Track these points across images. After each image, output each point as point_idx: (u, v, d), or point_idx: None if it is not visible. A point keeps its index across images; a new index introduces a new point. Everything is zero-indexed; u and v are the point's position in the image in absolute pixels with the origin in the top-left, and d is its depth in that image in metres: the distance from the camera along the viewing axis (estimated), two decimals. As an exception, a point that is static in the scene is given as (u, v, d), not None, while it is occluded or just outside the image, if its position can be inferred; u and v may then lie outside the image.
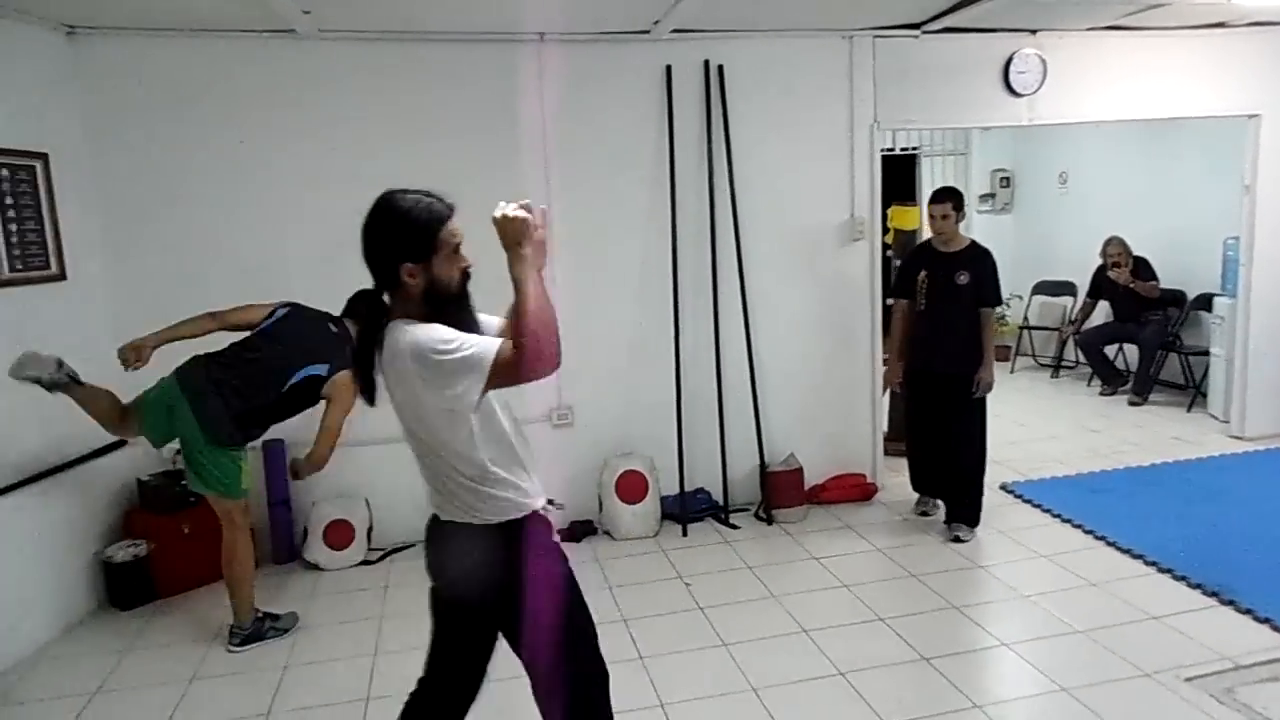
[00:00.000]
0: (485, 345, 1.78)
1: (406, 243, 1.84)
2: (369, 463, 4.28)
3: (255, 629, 3.44)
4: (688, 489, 4.60)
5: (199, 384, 3.28)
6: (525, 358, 1.75)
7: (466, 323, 1.90)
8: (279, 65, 4.04)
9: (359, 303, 3.48)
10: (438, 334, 1.80)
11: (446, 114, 4.22)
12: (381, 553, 4.29)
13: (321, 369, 3.29)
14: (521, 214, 1.81)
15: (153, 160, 3.98)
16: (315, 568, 4.15)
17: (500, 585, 1.99)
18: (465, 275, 1.92)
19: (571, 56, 4.30)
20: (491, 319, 2.03)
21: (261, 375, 3.30)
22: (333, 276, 4.17)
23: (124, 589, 3.81)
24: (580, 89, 4.34)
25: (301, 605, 3.76)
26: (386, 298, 1.93)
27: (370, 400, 1.99)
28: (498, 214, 1.81)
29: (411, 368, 1.81)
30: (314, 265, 4.12)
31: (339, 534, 4.17)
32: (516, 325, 1.77)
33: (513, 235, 1.81)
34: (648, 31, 4.27)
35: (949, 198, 4.17)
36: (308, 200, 4.13)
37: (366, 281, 3.66)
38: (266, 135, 4.07)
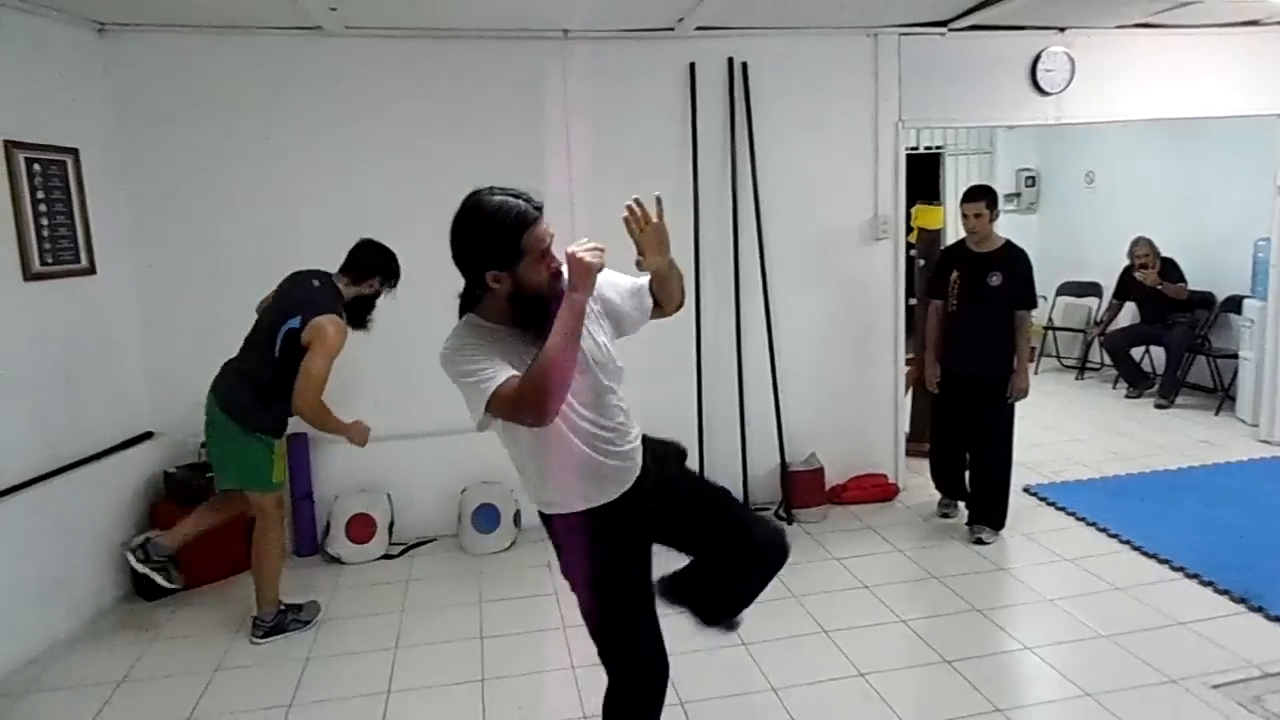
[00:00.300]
0: (492, 381, 1.80)
1: (491, 250, 1.82)
2: (391, 458, 4.31)
3: (277, 621, 3.47)
4: (708, 487, 4.59)
5: (221, 382, 3.36)
6: (518, 403, 1.80)
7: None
8: (306, 62, 4.07)
9: (359, 253, 3.42)
10: (462, 354, 1.86)
11: (471, 110, 4.24)
12: (403, 547, 4.32)
13: (295, 321, 3.22)
14: (589, 258, 1.79)
15: (181, 155, 4.03)
16: (337, 561, 4.19)
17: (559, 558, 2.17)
18: (556, 275, 1.89)
19: (596, 53, 4.30)
20: (620, 280, 2.08)
21: (256, 351, 3.31)
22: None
23: (150, 580, 3.84)
24: (604, 86, 4.34)
25: (324, 598, 3.78)
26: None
27: None
28: (569, 249, 1.80)
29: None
30: (329, 253, 4.11)
31: (361, 528, 4.19)
32: (530, 368, 1.80)
33: (574, 275, 1.80)
34: (672, 29, 4.26)
35: (982, 196, 4.09)
36: (334, 195, 4.16)
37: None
38: (293, 131, 4.11)
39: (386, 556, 4.24)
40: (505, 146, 4.23)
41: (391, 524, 4.33)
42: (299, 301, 3.28)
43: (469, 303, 1.97)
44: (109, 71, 3.89)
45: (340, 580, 4.03)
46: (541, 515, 2.14)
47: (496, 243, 1.82)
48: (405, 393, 4.17)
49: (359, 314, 3.44)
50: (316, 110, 4.12)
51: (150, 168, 4.00)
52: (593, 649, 2.17)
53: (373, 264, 3.40)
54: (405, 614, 3.68)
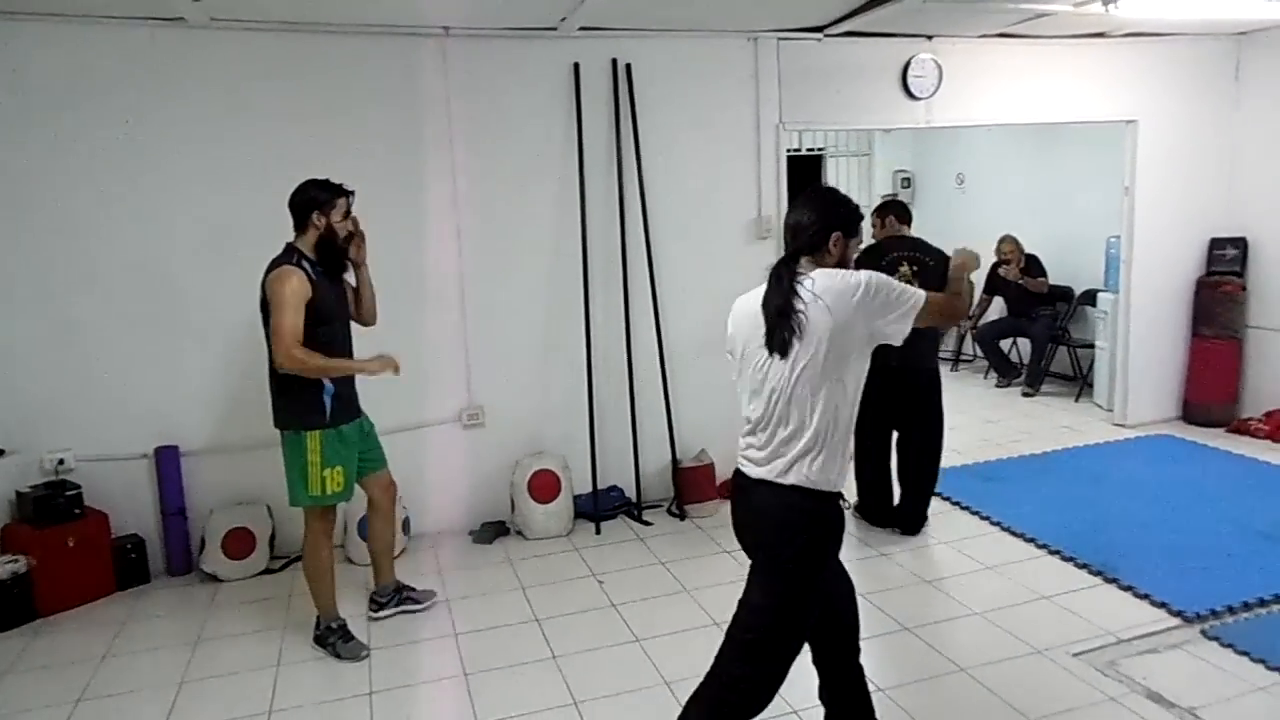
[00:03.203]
0: (919, 291, 2.12)
1: (845, 217, 2.21)
2: (271, 467, 4.14)
3: (323, 635, 3.33)
4: (600, 487, 4.60)
5: None
6: (950, 304, 2.22)
7: None
8: (168, 55, 3.85)
9: (289, 207, 3.13)
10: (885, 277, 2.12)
11: (349, 107, 4.11)
12: (285, 561, 4.15)
13: (260, 296, 3.09)
14: (977, 254, 2.37)
15: (30, 153, 3.75)
16: (213, 579, 3.99)
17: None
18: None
19: (478, 51, 4.24)
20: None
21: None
22: (221, 267, 4.03)
23: (1, 608, 3.57)
24: (488, 85, 4.29)
25: (198, 618, 3.63)
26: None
27: (783, 352, 2.07)
28: (968, 247, 2.38)
29: (855, 299, 2.02)
30: (201, 256, 3.97)
31: (239, 543, 4.01)
32: (950, 292, 2.27)
33: (965, 266, 2.32)
34: (555, 28, 4.25)
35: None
36: (196, 192, 3.95)
37: (261, 270, 3.45)
38: (153, 127, 3.87)
39: (268, 571, 4.07)
40: (386, 145, 4.14)
41: (273, 537, 4.16)
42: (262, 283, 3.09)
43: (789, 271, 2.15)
44: (-57, 61, 3.60)
45: (217, 598, 3.85)
46: (797, 495, 2.10)
47: (850, 215, 2.23)
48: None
49: (332, 257, 3.15)
50: (178, 105, 3.89)
51: (-6, 165, 3.72)
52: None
53: (302, 205, 3.11)
54: (288, 630, 3.54)
